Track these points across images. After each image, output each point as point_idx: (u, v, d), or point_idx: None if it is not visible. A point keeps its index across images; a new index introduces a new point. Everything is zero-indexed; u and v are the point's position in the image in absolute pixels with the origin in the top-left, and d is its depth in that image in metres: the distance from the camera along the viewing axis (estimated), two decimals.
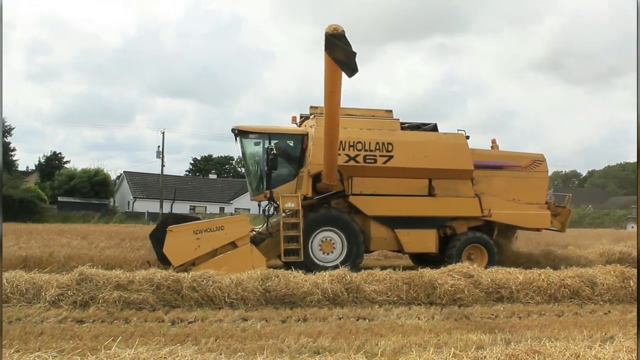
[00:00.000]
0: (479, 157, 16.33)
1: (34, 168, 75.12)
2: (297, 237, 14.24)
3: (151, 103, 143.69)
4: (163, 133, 61.41)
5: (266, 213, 15.64)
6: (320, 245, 14.77)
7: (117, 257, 15.29)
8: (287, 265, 13.72)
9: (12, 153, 66.22)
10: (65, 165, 69.97)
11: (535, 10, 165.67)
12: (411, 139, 15.64)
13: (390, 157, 15.20)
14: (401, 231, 15.37)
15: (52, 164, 69.78)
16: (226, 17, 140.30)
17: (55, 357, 5.74)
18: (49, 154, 72.61)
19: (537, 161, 16.80)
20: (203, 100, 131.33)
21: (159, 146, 61.52)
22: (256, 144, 15.81)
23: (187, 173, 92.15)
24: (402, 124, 16.21)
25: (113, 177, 72.02)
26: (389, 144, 15.21)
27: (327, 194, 15.20)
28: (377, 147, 15.14)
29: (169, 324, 8.67)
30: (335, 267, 13.47)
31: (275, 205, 15.16)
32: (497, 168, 16.50)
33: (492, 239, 16.20)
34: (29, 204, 44.32)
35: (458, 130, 16.20)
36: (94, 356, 5.57)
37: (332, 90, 11.93)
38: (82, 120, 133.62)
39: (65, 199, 57.58)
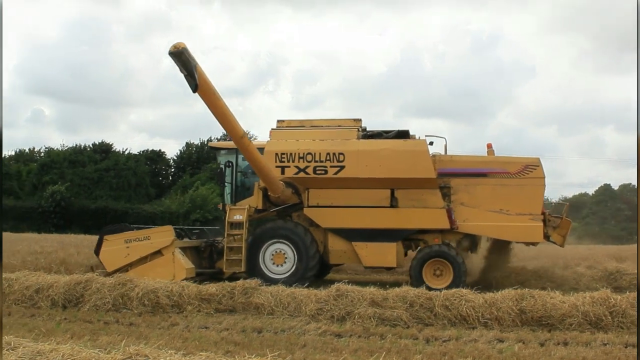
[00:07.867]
0: (458, 163, 14.88)
1: None
2: (240, 249, 14.48)
3: (404, 124, 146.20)
4: None
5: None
6: (272, 257, 14.70)
7: None
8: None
9: None
10: None
11: None
12: (364, 148, 14.59)
13: (342, 167, 14.44)
14: (358, 244, 14.67)
15: None
16: (484, 34, 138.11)
17: None
18: None
19: (530, 166, 14.57)
20: (457, 119, 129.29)
21: None
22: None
23: None
24: (366, 132, 15.31)
25: None
26: (340, 153, 14.49)
27: (282, 206, 15.04)
28: (328, 158, 14.46)
29: (424, 341, 8.70)
30: (287, 280, 13.90)
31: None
32: (480, 175, 14.68)
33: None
34: None
35: (426, 135, 14.89)
36: None
37: (213, 105, 12.28)
38: None
39: None
